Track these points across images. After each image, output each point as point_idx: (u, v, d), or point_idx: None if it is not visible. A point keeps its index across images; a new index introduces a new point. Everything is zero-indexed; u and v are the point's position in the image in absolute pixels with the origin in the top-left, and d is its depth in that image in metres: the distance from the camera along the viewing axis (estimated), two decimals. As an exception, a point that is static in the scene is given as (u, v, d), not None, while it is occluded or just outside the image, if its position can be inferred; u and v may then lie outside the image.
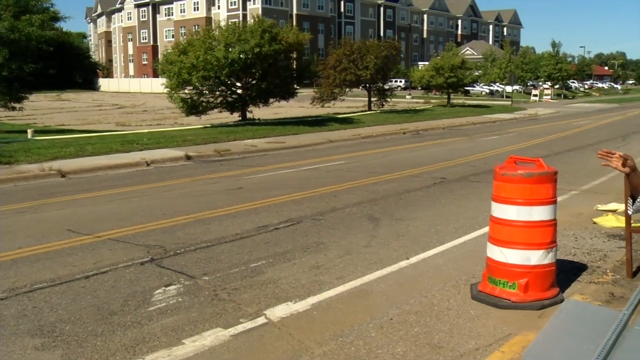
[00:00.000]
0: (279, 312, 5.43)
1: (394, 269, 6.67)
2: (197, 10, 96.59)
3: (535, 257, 5.47)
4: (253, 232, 8.34)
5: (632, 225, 6.41)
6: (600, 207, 9.75)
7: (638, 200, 3.14)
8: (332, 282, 6.22)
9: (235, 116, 28.32)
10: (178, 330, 5.03)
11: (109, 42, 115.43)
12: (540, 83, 76.22)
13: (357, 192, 11.47)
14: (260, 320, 5.26)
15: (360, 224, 8.87)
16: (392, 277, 6.41)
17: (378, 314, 5.35)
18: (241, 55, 24.43)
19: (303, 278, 6.37)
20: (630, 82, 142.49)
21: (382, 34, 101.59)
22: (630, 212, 3.35)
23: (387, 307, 5.53)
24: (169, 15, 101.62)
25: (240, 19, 70.02)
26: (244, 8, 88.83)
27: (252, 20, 27.20)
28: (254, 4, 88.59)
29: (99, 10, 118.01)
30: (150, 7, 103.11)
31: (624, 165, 3.06)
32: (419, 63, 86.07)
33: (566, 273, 6.38)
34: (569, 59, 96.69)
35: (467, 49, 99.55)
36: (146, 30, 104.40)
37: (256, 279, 6.34)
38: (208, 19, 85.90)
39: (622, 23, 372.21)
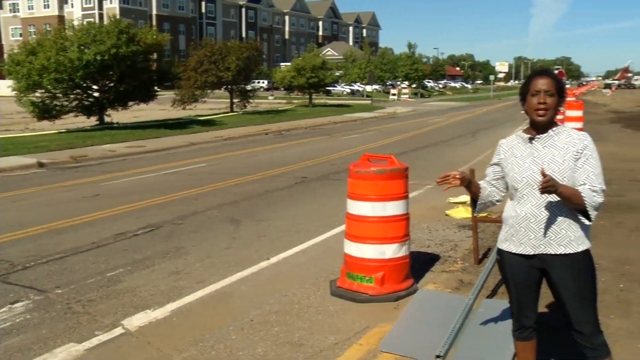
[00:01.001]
0: (137, 321, 5.27)
1: (254, 270, 6.68)
2: (48, 7, 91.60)
3: (390, 251, 5.67)
4: (111, 240, 8.04)
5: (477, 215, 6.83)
6: (452, 199, 10.28)
7: (478, 202, 3.64)
8: (192, 287, 6.12)
9: (93, 120, 27.12)
10: (25, 351, 4.73)
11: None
12: (399, 82, 79.26)
13: (218, 194, 11.37)
14: (117, 330, 5.08)
15: (222, 226, 8.80)
16: (252, 278, 6.41)
17: (239, 316, 5.33)
18: (97, 57, 23.41)
19: (162, 284, 6.22)
20: (479, 82, 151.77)
21: (244, 35, 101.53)
22: (475, 215, 3.75)
23: (247, 308, 5.52)
24: (14, 12, 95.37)
25: (97, 18, 67.45)
26: (100, 7, 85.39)
27: (108, 21, 26.20)
28: (110, 3, 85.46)
29: None
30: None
31: (462, 181, 3.47)
32: (282, 64, 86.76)
33: (421, 264, 6.67)
34: (425, 60, 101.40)
35: (328, 50, 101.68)
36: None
37: (113, 289, 6.11)
38: (61, 18, 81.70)
39: (470, 27, 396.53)
